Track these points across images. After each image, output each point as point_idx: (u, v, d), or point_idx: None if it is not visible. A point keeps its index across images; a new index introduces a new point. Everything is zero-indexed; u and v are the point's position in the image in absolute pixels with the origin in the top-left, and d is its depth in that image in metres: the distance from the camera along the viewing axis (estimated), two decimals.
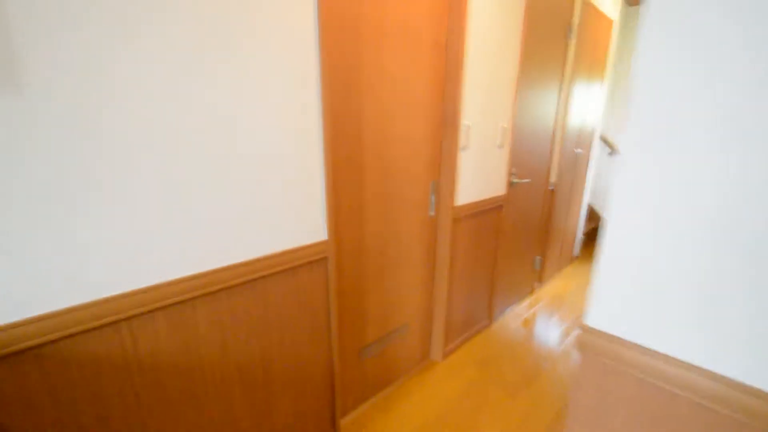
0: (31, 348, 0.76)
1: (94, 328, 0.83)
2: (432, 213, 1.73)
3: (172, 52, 0.81)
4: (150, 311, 0.90)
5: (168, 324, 0.94)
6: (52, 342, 0.78)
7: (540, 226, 2.70)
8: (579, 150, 2.95)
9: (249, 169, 1.00)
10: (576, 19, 2.39)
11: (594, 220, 4.00)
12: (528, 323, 2.39)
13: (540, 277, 2.89)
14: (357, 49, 1.22)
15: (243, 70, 0.93)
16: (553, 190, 2.70)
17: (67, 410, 0.83)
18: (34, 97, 0.68)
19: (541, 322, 2.40)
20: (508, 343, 2.16)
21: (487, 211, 2.00)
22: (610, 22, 2.87)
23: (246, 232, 1.03)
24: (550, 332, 2.29)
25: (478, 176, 1.85)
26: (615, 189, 0.71)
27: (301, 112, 1.07)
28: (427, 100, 1.54)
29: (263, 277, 1.10)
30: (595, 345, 0.76)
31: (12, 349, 0.73)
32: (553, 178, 2.67)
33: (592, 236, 4.04)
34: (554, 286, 2.96)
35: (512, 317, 2.47)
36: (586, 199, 3.41)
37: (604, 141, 3.77)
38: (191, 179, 0.90)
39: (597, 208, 3.97)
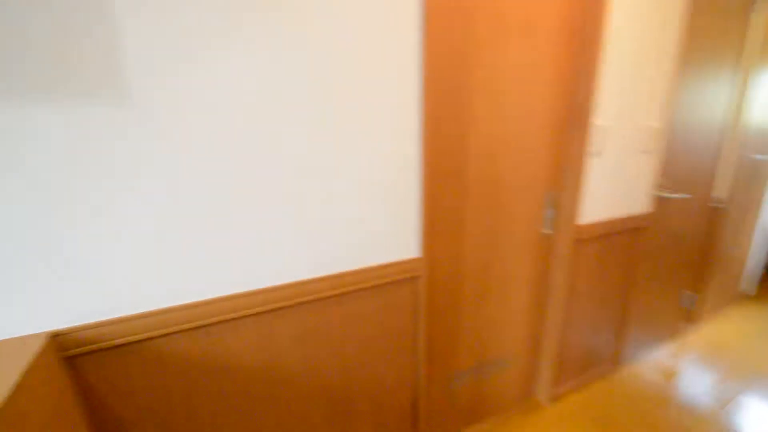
0: (135, 342, 0.81)
1: (189, 330, 0.86)
2: (547, 230, 1.46)
3: (268, 59, 0.79)
4: (237, 318, 0.91)
5: (255, 332, 0.94)
6: (153, 338, 0.83)
7: (695, 253, 2.12)
8: (761, 156, 2.23)
9: (338, 178, 0.94)
10: None
11: None
12: (671, 376, 1.88)
13: (692, 317, 2.28)
14: (468, 40, 1.06)
15: (337, 72, 0.87)
16: (718, 208, 2.09)
17: (160, 403, 0.88)
18: (137, 107, 0.71)
19: (691, 377, 1.87)
20: (640, 398, 1.72)
21: (622, 232, 1.62)
22: None
23: (333, 245, 0.97)
24: (704, 393, 1.76)
25: (613, 189, 1.50)
26: None
27: (397, 116, 0.97)
28: (549, 97, 1.29)
29: (349, 292, 1.03)
30: None
31: (119, 341, 0.79)
32: (719, 193, 2.06)
33: None
34: (713, 330, 2.30)
35: (648, 365, 1.98)
36: None
37: None
38: (286, 189, 0.88)
39: None
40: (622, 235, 1.63)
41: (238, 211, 0.84)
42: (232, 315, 0.89)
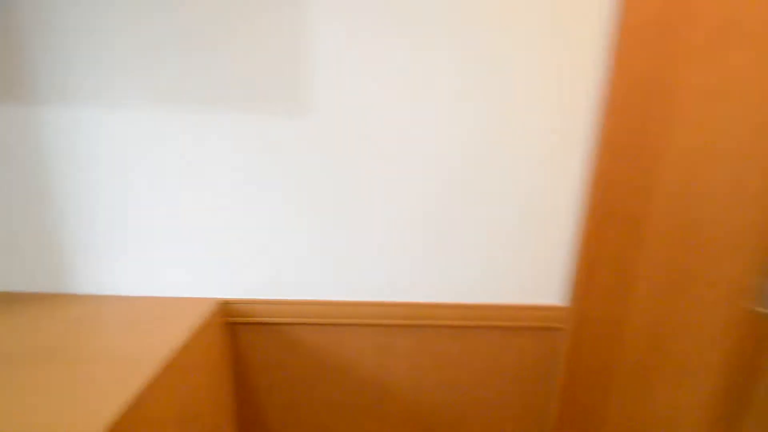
0: (280, 324, 0.92)
1: (321, 324, 0.92)
2: (761, 308, 1.06)
3: (438, 77, 0.78)
4: (360, 324, 0.93)
5: (374, 341, 0.95)
6: (294, 324, 0.92)
7: None
8: None
9: (487, 202, 0.86)
10: None
11: None
12: None
13: None
14: (673, 54, 0.85)
15: (503, 86, 0.80)
16: None
17: (286, 379, 0.97)
18: (318, 120, 0.79)
19: None
20: None
21: None
22: None
23: (466, 274, 0.90)
24: None
25: None
26: None
27: (563, 137, 0.84)
28: None
29: (474, 326, 0.94)
30: None
31: (269, 320, 0.91)
32: None
33: None
34: None
35: None
36: None
37: None
38: (434, 208, 0.86)
39: None
40: None
41: (383, 226, 0.86)
42: (357, 320, 0.92)
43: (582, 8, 0.76)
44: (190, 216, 0.83)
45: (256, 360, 0.95)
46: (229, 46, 0.74)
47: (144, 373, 0.63)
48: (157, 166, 0.80)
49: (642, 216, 0.94)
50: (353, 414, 1.01)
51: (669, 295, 1.01)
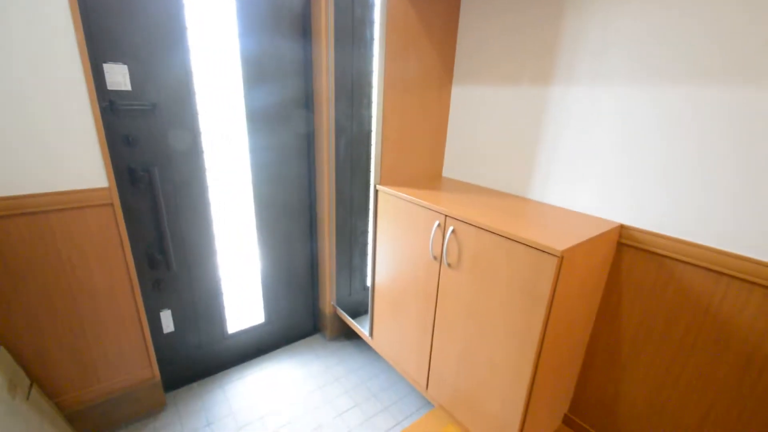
0: (665, 257, 1.08)
1: (705, 268, 1.01)
2: None
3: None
4: (745, 280, 0.95)
5: (759, 306, 0.95)
6: (676, 260, 1.06)
7: None
8: None
9: None
10: None
11: None
12: None
13: None
14: None
15: None
16: None
17: (645, 308, 1.14)
18: None
19: None
20: None
21: None
22: None
23: None
24: None
25: None
26: None
27: None
28: None
29: None
30: None
31: (657, 251, 1.09)
32: None
33: None
34: None
35: None
36: None
37: None
38: None
39: None
40: None
41: None
42: (747, 276, 0.94)
43: None
44: (615, 160, 1.13)
45: (630, 280, 1.15)
46: None
47: (571, 240, 1.00)
48: (606, 128, 1.15)
49: None
50: (706, 370, 1.03)
51: None
